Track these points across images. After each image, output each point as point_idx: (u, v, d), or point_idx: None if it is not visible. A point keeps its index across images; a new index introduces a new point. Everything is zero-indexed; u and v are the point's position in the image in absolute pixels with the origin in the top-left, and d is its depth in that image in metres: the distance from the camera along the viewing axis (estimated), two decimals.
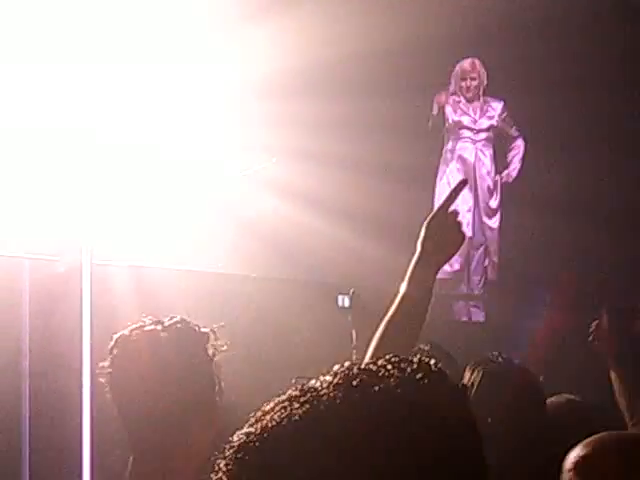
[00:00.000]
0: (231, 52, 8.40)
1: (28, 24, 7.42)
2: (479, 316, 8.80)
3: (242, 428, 1.09)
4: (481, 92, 9.11)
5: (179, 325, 2.64)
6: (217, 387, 2.62)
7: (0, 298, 5.98)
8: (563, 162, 9.01)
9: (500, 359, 3.33)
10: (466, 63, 9.03)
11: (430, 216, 2.64)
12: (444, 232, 2.64)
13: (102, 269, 6.13)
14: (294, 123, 8.67)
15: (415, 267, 2.63)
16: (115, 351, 2.62)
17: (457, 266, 8.75)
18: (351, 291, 7.57)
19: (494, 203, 9.05)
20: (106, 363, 2.62)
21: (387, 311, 2.62)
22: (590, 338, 4.37)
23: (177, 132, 8.81)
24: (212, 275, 7.58)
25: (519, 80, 9.19)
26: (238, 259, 8.03)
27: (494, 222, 9.02)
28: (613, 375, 4.23)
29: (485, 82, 9.08)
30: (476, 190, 9.01)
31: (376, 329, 2.59)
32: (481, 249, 8.99)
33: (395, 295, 2.62)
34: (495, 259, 9.06)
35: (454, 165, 9.01)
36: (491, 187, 9.05)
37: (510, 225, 9.10)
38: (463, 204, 8.86)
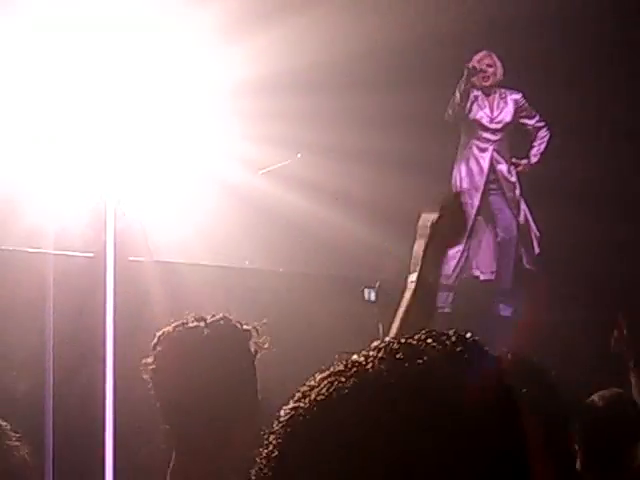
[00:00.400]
0: (252, 48, 8.41)
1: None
2: (507, 311, 8.75)
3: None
4: (498, 79, 8.89)
5: (222, 322, 2.65)
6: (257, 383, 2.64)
7: (25, 293, 5.99)
8: (576, 152, 8.97)
9: (509, 356, 3.30)
10: (480, 54, 8.88)
11: (443, 198, 2.64)
12: (457, 215, 2.67)
13: (128, 264, 6.12)
14: (319, 118, 8.66)
15: (427, 250, 2.60)
16: (159, 348, 2.63)
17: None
18: (377, 285, 7.54)
19: (517, 196, 8.97)
20: (149, 360, 2.62)
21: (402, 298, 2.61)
22: (612, 343, 4.43)
23: (203, 129, 8.82)
24: (239, 270, 7.58)
25: (532, 73, 9.12)
26: (265, 254, 8.02)
27: (522, 215, 8.94)
28: (633, 376, 4.27)
29: (501, 72, 8.88)
30: (501, 189, 8.93)
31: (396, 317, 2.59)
32: (511, 246, 8.91)
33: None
34: (534, 250, 8.99)
35: (471, 166, 8.91)
36: (513, 182, 8.97)
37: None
38: (493, 208, 8.87)
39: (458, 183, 8.89)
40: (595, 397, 3.58)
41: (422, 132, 8.71)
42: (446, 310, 8.54)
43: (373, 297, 7.64)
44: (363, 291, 7.61)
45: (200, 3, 8.24)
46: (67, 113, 8.01)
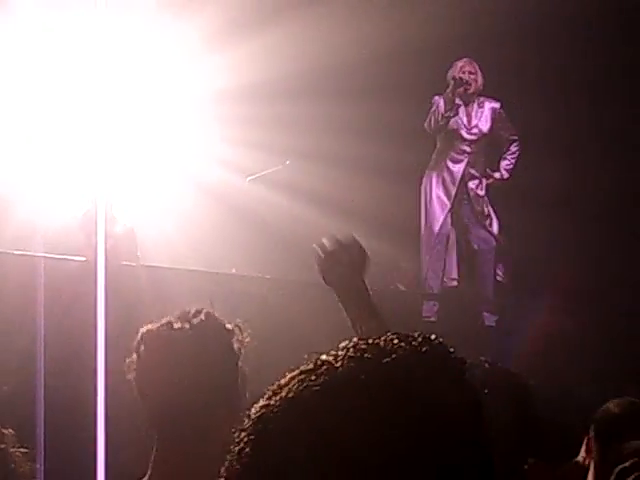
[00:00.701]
0: (235, 58, 8.48)
1: None
2: (491, 321, 8.77)
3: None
4: (479, 86, 8.81)
5: (205, 322, 2.66)
6: (242, 383, 2.67)
7: (15, 297, 6.01)
8: (551, 161, 9.01)
9: (487, 364, 3.34)
10: (461, 62, 8.78)
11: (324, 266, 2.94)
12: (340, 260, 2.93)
13: (117, 269, 6.16)
14: (310, 126, 8.72)
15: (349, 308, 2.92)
16: (142, 347, 2.64)
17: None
18: None
19: (486, 209, 8.96)
20: (132, 358, 2.65)
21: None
22: None
23: (192, 137, 8.87)
24: (226, 276, 7.61)
25: (510, 82, 9.14)
26: (252, 261, 8.06)
27: (494, 227, 8.94)
28: None
29: (482, 80, 8.80)
30: (471, 203, 8.92)
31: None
32: (490, 256, 8.93)
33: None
34: (503, 263, 9.04)
35: (444, 175, 8.87)
36: (481, 195, 8.96)
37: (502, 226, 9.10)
38: (464, 219, 8.88)
39: (428, 191, 8.87)
40: (610, 404, 3.70)
41: (416, 141, 8.76)
42: (432, 319, 8.58)
43: None
44: None
45: (185, 15, 8.33)
46: (57, 118, 8.07)
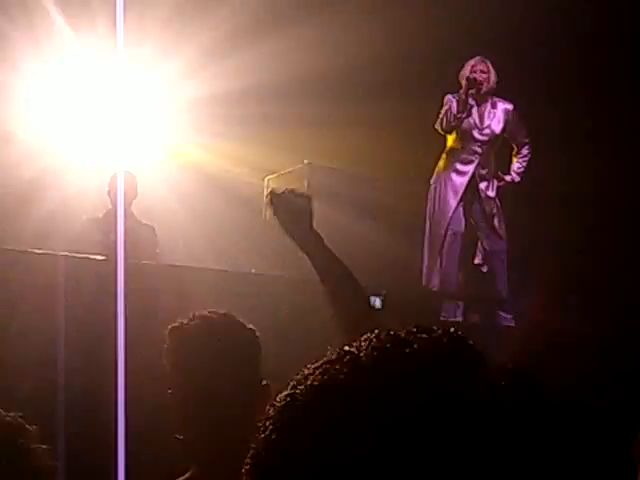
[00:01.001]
0: (258, 56, 8.52)
1: None
2: (508, 321, 8.72)
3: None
4: (492, 86, 8.69)
5: (232, 317, 2.81)
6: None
7: (36, 295, 6.05)
8: (561, 163, 9.01)
9: (509, 365, 3.36)
10: (474, 60, 8.68)
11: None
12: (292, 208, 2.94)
13: (137, 267, 6.19)
14: (327, 124, 8.74)
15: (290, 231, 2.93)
16: (180, 330, 2.74)
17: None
18: (383, 293, 7.59)
19: (495, 210, 8.90)
20: (170, 346, 2.74)
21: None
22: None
23: (213, 134, 8.90)
24: (244, 275, 7.63)
25: (519, 82, 9.12)
26: (272, 260, 8.09)
27: (503, 228, 8.91)
28: None
29: (494, 78, 8.67)
30: (481, 204, 8.86)
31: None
32: (503, 256, 8.90)
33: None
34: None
35: (452, 176, 8.78)
36: (491, 197, 8.89)
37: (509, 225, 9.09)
38: (475, 219, 8.84)
39: (438, 191, 8.80)
40: None
41: (422, 139, 8.77)
42: (458, 319, 8.53)
43: (379, 305, 7.65)
44: (369, 298, 7.61)
45: (201, 18, 8.39)
46: (76, 116, 8.12)
